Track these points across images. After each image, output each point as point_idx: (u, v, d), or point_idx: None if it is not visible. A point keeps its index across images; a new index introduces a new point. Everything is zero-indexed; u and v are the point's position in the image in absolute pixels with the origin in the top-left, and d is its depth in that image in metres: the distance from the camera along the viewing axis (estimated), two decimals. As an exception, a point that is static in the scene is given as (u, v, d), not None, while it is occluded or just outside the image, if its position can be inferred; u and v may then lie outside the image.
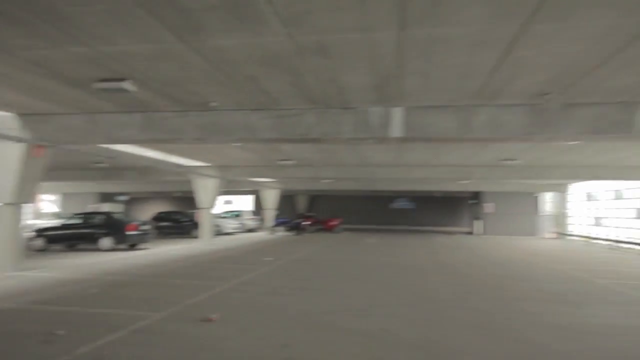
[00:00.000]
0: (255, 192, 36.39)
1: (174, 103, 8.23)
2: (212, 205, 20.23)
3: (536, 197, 30.00)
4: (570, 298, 8.33)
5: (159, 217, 24.43)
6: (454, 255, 16.29)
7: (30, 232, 16.22)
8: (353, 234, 28.20)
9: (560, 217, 27.59)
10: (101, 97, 7.82)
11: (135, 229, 16.00)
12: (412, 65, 5.76)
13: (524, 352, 5.09)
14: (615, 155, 14.45)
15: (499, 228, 28.94)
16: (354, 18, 4.46)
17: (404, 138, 8.10)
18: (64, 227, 16.46)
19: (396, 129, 7.91)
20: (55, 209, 32.09)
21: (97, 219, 16.41)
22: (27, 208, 11.46)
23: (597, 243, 22.98)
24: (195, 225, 22.78)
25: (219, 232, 25.37)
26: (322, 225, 30.32)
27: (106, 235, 15.54)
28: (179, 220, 24.29)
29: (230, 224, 26.87)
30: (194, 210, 23.74)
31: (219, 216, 28.41)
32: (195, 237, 21.59)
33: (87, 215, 17.34)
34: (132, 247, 16.23)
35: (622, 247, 20.12)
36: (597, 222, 25.22)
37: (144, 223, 17.18)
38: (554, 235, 28.03)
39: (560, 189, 27.18)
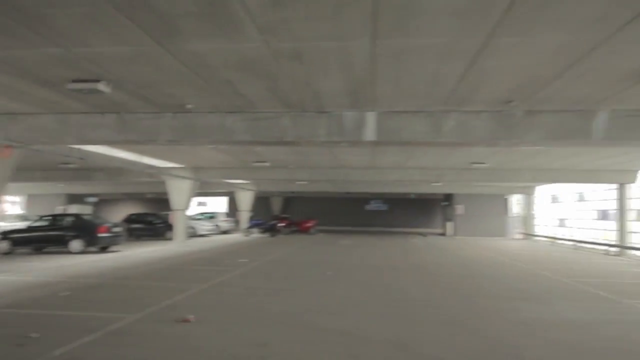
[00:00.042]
0: (229, 194, 36.19)
1: (149, 104, 8.21)
2: (186, 207, 20.08)
3: (506, 199, 30.94)
4: (533, 295, 8.74)
5: (130, 219, 24.04)
6: (425, 255, 16.70)
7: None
8: (328, 235, 28.43)
9: (527, 219, 28.56)
10: (73, 98, 7.73)
11: (107, 231, 15.75)
12: (384, 73, 5.98)
13: (487, 345, 5.38)
14: (577, 159, 15.16)
15: (470, 229, 29.69)
16: (328, 27, 4.63)
17: (377, 142, 8.33)
18: (31, 229, 16.05)
19: (370, 133, 8.13)
20: (19, 210, 31.06)
21: (67, 221, 16.08)
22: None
23: (561, 243, 23.92)
24: (168, 227, 22.54)
25: (193, 234, 25.15)
26: (297, 227, 30.44)
27: (76, 237, 15.24)
28: (152, 222, 23.97)
29: (204, 226, 26.68)
30: (167, 212, 23.46)
31: (193, 218, 28.16)
32: (169, 239, 21.36)
33: (56, 217, 16.96)
34: (104, 249, 15.96)
35: (585, 247, 21.02)
36: (562, 223, 26.26)
37: (116, 225, 16.92)
38: (521, 236, 28.99)
39: (528, 192, 28.15)
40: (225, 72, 6.24)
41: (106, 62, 6.03)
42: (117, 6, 4.39)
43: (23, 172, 18.96)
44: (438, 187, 25.65)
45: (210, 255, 15.55)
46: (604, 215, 21.44)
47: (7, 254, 14.95)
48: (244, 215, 29.59)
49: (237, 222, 30.70)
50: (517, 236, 29.87)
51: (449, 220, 31.15)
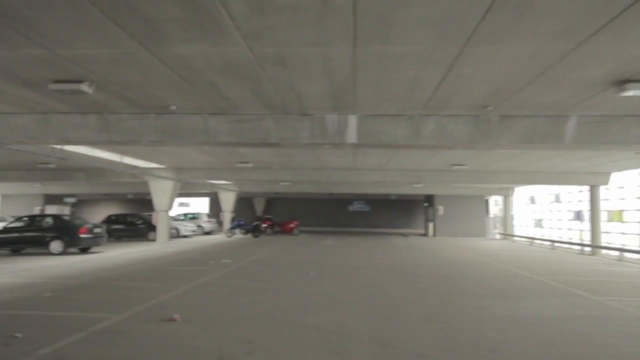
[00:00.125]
0: (210, 195, 36.07)
1: (132, 105, 8.23)
2: (169, 208, 20.01)
3: (486, 200, 31.57)
4: (510, 293, 9.05)
5: (110, 220, 23.79)
6: (406, 256, 17.00)
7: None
8: (311, 236, 28.59)
9: (506, 219, 29.21)
10: (55, 98, 7.71)
11: (88, 232, 15.61)
12: (364, 78, 6.18)
13: (465, 339, 5.61)
14: (551, 162, 15.68)
15: (451, 230, 30.20)
16: (311, 34, 4.79)
17: (358, 144, 8.53)
18: (8, 230, 15.80)
19: (351, 136, 8.33)
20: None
21: (47, 222, 15.88)
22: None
23: (539, 243, 24.55)
24: (150, 227, 22.41)
25: (176, 235, 25.05)
26: (280, 228, 30.55)
27: (57, 238, 15.08)
28: (134, 223, 23.77)
29: (187, 227, 26.57)
30: (149, 213, 23.32)
31: (175, 219, 28.00)
32: (151, 240, 21.25)
33: (35, 218, 16.73)
34: (84, 250, 15.82)
35: (561, 247, 21.65)
36: (539, 224, 26.95)
37: (97, 226, 16.78)
38: (500, 237, 29.63)
39: (507, 193, 28.79)
40: (210, 75, 6.35)
41: (90, 64, 6.07)
42: (103, 10, 4.47)
43: (-1, 172, 18.67)
44: (419, 189, 26.08)
45: (194, 256, 15.55)
46: (578, 216, 22.10)
47: (-16, 255, 14.71)
48: (227, 216, 29.54)
49: (219, 223, 30.62)
50: (497, 236, 30.53)
51: (430, 221, 31.63)
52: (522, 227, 29.51)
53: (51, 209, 29.09)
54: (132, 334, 5.52)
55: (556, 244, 22.01)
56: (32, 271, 10.96)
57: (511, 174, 19.02)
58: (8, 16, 4.64)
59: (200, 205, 38.99)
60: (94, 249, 16.32)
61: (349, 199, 38.77)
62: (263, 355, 4.88)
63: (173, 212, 25.03)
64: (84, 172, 19.98)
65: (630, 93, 6.08)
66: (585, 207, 20.18)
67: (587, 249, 18.94)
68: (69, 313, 6.54)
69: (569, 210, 23.29)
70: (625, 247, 16.87)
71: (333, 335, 5.67)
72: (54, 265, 12.17)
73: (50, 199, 30.72)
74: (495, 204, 32.45)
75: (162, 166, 18.77)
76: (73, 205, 33.17)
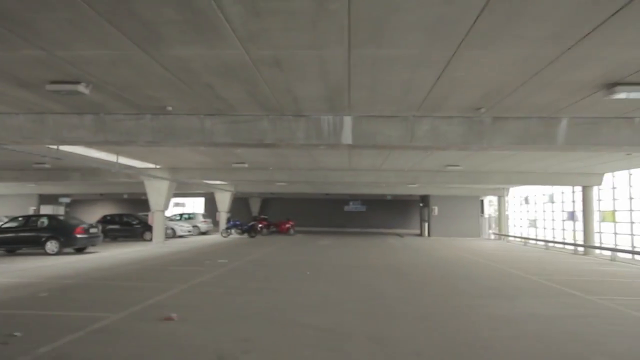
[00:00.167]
0: (206, 195, 36.08)
1: (129, 106, 8.27)
2: (165, 208, 20.03)
3: (481, 200, 31.77)
4: (504, 293, 9.16)
5: (105, 220, 23.75)
6: (402, 256, 17.10)
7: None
8: (307, 236, 28.66)
9: (500, 220, 29.41)
10: (51, 98, 7.74)
11: (84, 232, 15.62)
12: (359, 80, 6.26)
13: (460, 338, 5.71)
14: (544, 163, 15.84)
15: (446, 230, 30.36)
16: (306, 37, 4.87)
17: (354, 145, 8.62)
18: (3, 230, 15.77)
19: (347, 137, 8.41)
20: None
21: (43, 222, 15.87)
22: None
23: (533, 243, 24.76)
24: (146, 227, 22.42)
25: (172, 235, 25.07)
26: (276, 228, 30.61)
27: (52, 238, 15.08)
28: (129, 223, 23.75)
29: (183, 227, 26.59)
30: (145, 213, 23.33)
31: (171, 219, 28.01)
32: (147, 240, 21.26)
33: (30, 218, 16.71)
34: (80, 250, 15.82)
35: (555, 247, 21.84)
36: (534, 224, 27.15)
37: (93, 226, 16.79)
38: (495, 237, 29.82)
39: (501, 193, 28.99)
40: (206, 77, 6.41)
41: (87, 65, 6.11)
42: (101, 13, 4.52)
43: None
44: (414, 189, 26.22)
45: (190, 255, 15.59)
46: (571, 216, 22.30)
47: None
48: (223, 216, 29.58)
49: (215, 223, 30.65)
50: (491, 237, 30.72)
51: (425, 221, 31.79)
52: (517, 227, 29.72)
53: (46, 209, 29.00)
54: (130, 333, 5.58)
55: (550, 244, 22.19)
56: (28, 271, 10.97)
57: (505, 175, 19.18)
58: (7, 18, 4.69)
59: (195, 205, 38.99)
60: (90, 249, 16.33)
61: (344, 199, 38.87)
62: (261, 354, 4.95)
63: (169, 212, 25.03)
64: (79, 172, 19.95)
65: (619, 96, 6.20)
66: (579, 208, 20.36)
67: (581, 249, 19.12)
68: (66, 312, 6.59)
69: (562, 211, 23.48)
70: (618, 247, 17.08)
71: (330, 334, 5.75)
72: (49, 265, 12.18)
73: (45, 199, 30.58)
74: (490, 204, 32.66)
75: (158, 166, 18.79)
76: (67, 205, 33.07)
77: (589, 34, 4.54)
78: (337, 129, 8.38)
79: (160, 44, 5.26)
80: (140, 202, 34.18)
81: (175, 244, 20.22)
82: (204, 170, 19.57)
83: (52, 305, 7.13)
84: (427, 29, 4.53)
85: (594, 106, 7.29)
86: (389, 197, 36.62)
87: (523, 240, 25.68)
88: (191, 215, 30.57)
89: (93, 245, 16.26)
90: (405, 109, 7.76)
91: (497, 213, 30.35)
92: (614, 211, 18.82)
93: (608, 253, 17.13)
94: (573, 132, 8.01)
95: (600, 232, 19.46)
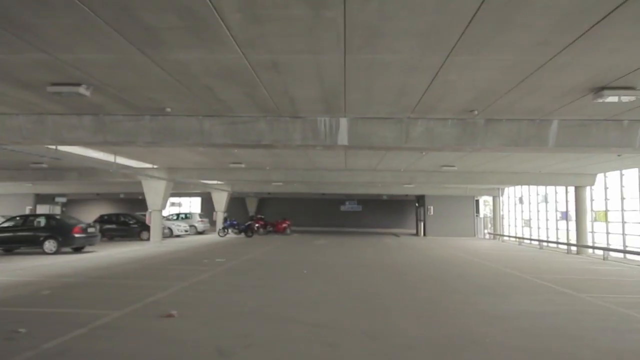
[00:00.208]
0: (202, 195, 36.17)
1: (128, 107, 8.38)
2: (162, 208, 20.14)
3: (477, 200, 32.02)
4: (497, 291, 9.35)
5: (102, 220, 23.84)
6: (397, 255, 17.29)
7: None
8: (303, 235, 28.81)
9: (495, 219, 29.66)
10: (51, 99, 7.85)
11: (82, 231, 15.72)
12: (355, 83, 6.44)
13: (452, 333, 5.89)
14: (537, 163, 16.07)
15: (441, 229, 30.59)
16: (303, 43, 5.03)
17: (349, 146, 8.79)
18: (1, 229, 15.84)
19: (343, 138, 8.58)
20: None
21: (41, 221, 15.96)
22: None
23: (528, 243, 25.01)
24: (143, 227, 22.51)
25: (169, 235, 25.17)
26: (273, 228, 30.77)
27: (50, 238, 15.17)
28: (126, 223, 23.84)
29: (180, 227, 26.70)
30: (142, 213, 23.41)
31: (168, 218, 28.10)
32: (144, 240, 21.35)
33: (28, 217, 16.79)
34: (78, 250, 15.92)
35: (549, 247, 22.09)
36: (528, 223, 27.40)
37: (91, 225, 16.89)
38: (490, 236, 30.07)
39: (496, 193, 29.24)
40: (205, 80, 6.56)
41: (89, 68, 6.23)
42: (105, 19, 4.66)
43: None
44: (410, 189, 26.41)
45: (188, 255, 15.72)
46: (565, 216, 22.55)
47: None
48: (220, 216, 29.71)
49: (212, 222, 30.78)
50: (486, 236, 30.98)
51: (421, 220, 32.01)
52: (511, 227, 29.97)
53: (42, 209, 29.00)
54: (133, 329, 5.72)
55: (544, 244, 22.45)
56: (27, 270, 11.08)
57: (499, 175, 19.42)
58: (13, 23, 4.81)
59: (192, 205, 39.08)
60: (88, 248, 16.42)
61: (340, 199, 39.06)
62: (260, 348, 5.11)
63: (165, 212, 25.12)
64: (77, 171, 20.02)
65: (607, 100, 6.40)
66: (572, 208, 20.61)
67: (574, 248, 19.37)
68: (68, 310, 6.72)
69: (556, 211, 23.74)
70: (610, 247, 17.34)
71: (326, 330, 5.92)
72: (48, 264, 12.29)
73: (41, 199, 30.58)
74: (485, 204, 32.91)
75: (156, 166, 18.90)
76: (64, 205, 33.09)
77: (573, 42, 4.73)
78: (333, 131, 8.55)
79: (161, 48, 5.40)
80: (137, 202, 34.24)
81: (172, 244, 20.33)
82: (202, 170, 19.69)
83: (53, 303, 7.26)
84: (420, 35, 4.71)
85: (583, 109, 7.49)
86: (385, 197, 36.85)
87: (518, 239, 25.93)
88: (188, 215, 30.69)
89: (91, 244, 16.36)
90: (400, 111, 7.94)
91: (492, 213, 30.60)
92: (606, 211, 19.07)
93: (600, 252, 17.39)
94: (563, 134, 8.22)
95: (593, 232, 19.71)
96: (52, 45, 5.38)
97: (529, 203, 27.08)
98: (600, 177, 18.92)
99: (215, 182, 25.90)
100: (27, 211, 27.50)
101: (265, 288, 9.07)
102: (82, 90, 7.01)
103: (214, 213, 30.32)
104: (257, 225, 28.51)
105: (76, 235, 15.42)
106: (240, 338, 5.43)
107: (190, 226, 28.42)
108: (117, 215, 25.34)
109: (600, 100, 6.46)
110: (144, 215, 22.51)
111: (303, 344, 5.29)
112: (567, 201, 22.09)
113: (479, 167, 17.35)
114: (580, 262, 15.65)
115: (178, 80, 6.62)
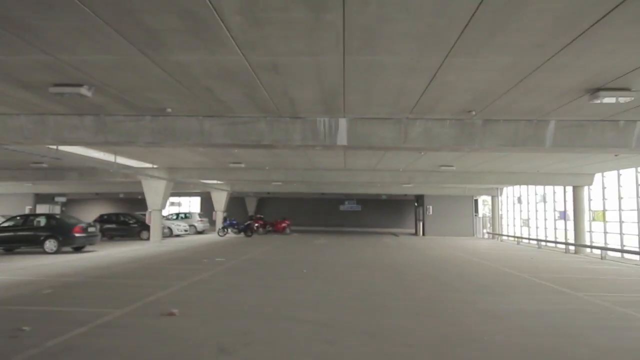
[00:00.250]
0: (202, 194, 36.22)
1: (129, 108, 8.44)
2: (162, 207, 20.19)
3: (475, 200, 32.09)
4: (496, 290, 9.42)
5: (102, 219, 23.87)
6: (396, 255, 17.35)
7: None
8: (303, 235, 28.87)
9: (494, 219, 29.73)
10: (53, 100, 7.91)
11: (82, 231, 15.77)
12: (354, 84, 6.50)
13: (450, 331, 5.96)
14: (535, 163, 16.15)
15: (440, 229, 30.66)
16: (303, 45, 5.10)
17: (349, 146, 8.86)
18: (1, 229, 15.89)
19: (342, 138, 8.65)
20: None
21: (41, 221, 16.01)
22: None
23: (526, 242, 25.09)
24: (143, 227, 22.55)
25: (169, 234, 25.22)
26: (272, 227, 30.82)
27: (51, 237, 15.22)
28: (126, 222, 23.88)
29: (180, 226, 26.75)
30: (142, 213, 23.46)
31: (168, 218, 28.15)
32: (144, 239, 21.40)
33: (28, 217, 16.84)
34: (78, 249, 15.97)
35: (547, 246, 22.16)
36: (526, 223, 27.48)
37: (91, 225, 16.94)
38: (489, 236, 30.14)
39: (495, 193, 29.31)
40: (206, 81, 6.62)
41: (91, 69, 6.29)
42: (106, 20, 4.72)
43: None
44: (409, 189, 26.48)
45: (188, 254, 15.77)
46: (563, 215, 22.63)
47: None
48: (219, 216, 29.76)
49: (212, 222, 30.84)
50: (485, 236, 31.05)
51: (420, 220, 32.08)
52: (510, 226, 30.06)
53: (42, 208, 29.04)
54: (134, 327, 5.79)
55: (542, 243, 22.53)
56: (28, 269, 11.13)
57: (497, 175, 19.49)
58: (14, 24, 4.87)
59: (192, 204, 39.14)
60: (88, 248, 16.47)
61: (340, 199, 39.14)
62: (260, 346, 5.18)
63: (165, 212, 25.18)
64: (77, 171, 20.07)
65: (603, 100, 6.47)
66: (570, 207, 20.69)
67: (572, 247, 19.45)
68: (70, 308, 6.78)
69: (554, 210, 23.82)
70: (608, 246, 17.42)
71: (326, 328, 5.99)
72: (48, 263, 12.34)
73: (41, 198, 30.62)
74: (484, 204, 33.00)
75: (156, 166, 18.95)
76: (63, 204, 33.13)
77: (570, 43, 4.80)
78: (333, 131, 8.62)
79: (162, 50, 5.46)
80: (137, 202, 34.31)
81: (172, 243, 20.38)
82: (202, 170, 19.74)
83: (55, 301, 7.32)
84: (418, 37, 4.78)
85: (580, 110, 7.57)
86: (384, 197, 36.94)
87: (516, 239, 26.01)
88: (188, 215, 30.73)
89: (91, 244, 16.41)
90: (399, 111, 8.01)
91: (491, 212, 30.69)
92: (604, 211, 19.15)
93: (598, 252, 17.47)
94: (561, 134, 8.30)
95: (591, 231, 19.79)
96: (53, 46, 5.44)
97: (528, 203, 27.17)
98: (598, 176, 19.00)
99: (215, 181, 25.96)
100: (26, 211, 27.55)
101: (265, 287, 9.13)
102: (84, 91, 7.06)
103: (214, 213, 30.37)
104: (256, 224, 28.56)
105: (76, 234, 15.47)
106: (240, 336, 5.49)
107: (190, 226, 28.46)
108: (117, 214, 25.39)
109: (597, 101, 6.53)
110: (144, 214, 22.56)
111: (303, 342, 5.36)
112: (565, 201, 22.17)
113: (477, 167, 17.42)
114: (578, 262, 15.72)
115: (179, 81, 6.68)
